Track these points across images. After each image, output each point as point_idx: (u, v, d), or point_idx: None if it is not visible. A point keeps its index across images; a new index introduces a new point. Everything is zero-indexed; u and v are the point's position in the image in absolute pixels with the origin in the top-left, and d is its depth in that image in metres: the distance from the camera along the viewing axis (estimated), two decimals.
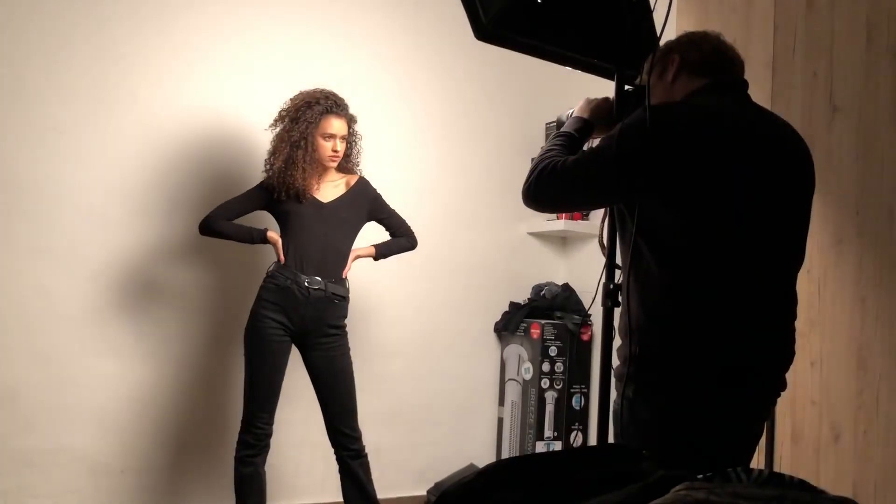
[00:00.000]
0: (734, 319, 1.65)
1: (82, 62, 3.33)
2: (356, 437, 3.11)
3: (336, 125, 3.09)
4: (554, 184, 1.73)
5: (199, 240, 3.51)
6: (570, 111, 2.00)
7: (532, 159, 1.89)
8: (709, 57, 1.79)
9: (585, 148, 1.82)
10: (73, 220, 3.30)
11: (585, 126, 1.91)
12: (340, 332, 3.13)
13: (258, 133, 3.56)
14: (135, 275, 3.41)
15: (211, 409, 3.54)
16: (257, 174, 3.36)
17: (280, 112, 3.16)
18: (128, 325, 3.39)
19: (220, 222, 3.10)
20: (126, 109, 3.41)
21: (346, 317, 3.16)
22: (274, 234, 3.13)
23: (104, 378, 3.33)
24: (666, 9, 1.71)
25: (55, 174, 3.27)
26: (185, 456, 3.49)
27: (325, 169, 3.16)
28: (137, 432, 3.40)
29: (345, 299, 3.14)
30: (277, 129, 3.14)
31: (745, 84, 1.81)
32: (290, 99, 3.16)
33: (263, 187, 3.13)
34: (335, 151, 3.09)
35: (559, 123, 2.00)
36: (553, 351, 4.07)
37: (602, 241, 2.04)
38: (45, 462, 3.21)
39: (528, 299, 4.31)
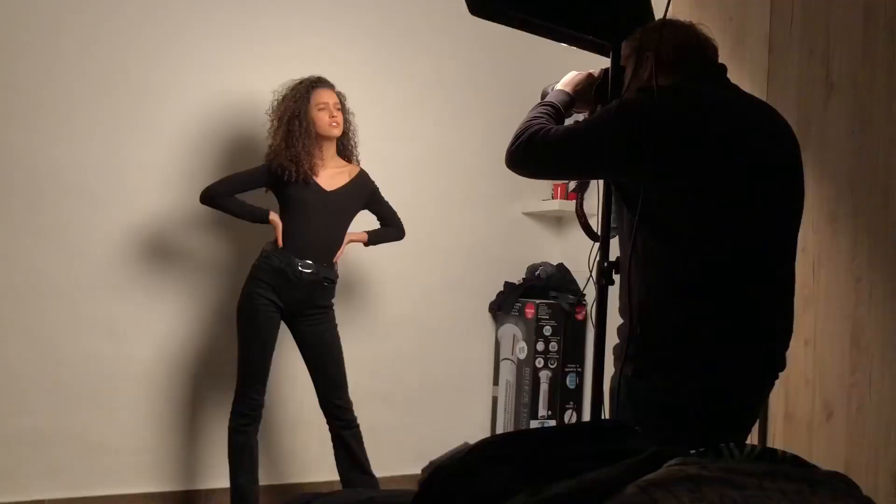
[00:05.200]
0: (735, 299, 1.67)
1: (73, 39, 3.29)
2: (347, 407, 3.22)
3: (326, 95, 3.19)
4: (544, 150, 1.77)
5: (193, 219, 3.50)
6: (553, 84, 2.01)
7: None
8: (682, 54, 1.78)
9: (573, 122, 1.83)
10: (65, 199, 3.28)
11: (569, 100, 1.94)
12: (328, 309, 3.25)
13: (253, 114, 3.55)
14: (127, 253, 3.40)
15: (205, 388, 3.54)
16: (254, 155, 3.35)
17: (271, 104, 3.23)
18: (121, 304, 3.38)
19: (223, 197, 3.15)
20: (117, 87, 3.38)
21: (333, 297, 3.28)
22: (276, 218, 3.17)
23: (98, 357, 3.33)
24: None
25: (46, 153, 3.24)
26: (180, 435, 3.50)
27: (328, 140, 3.22)
28: (132, 412, 3.40)
29: (334, 283, 3.25)
30: (273, 121, 3.20)
31: (725, 69, 1.83)
32: (276, 91, 3.24)
33: (268, 168, 3.16)
34: (333, 117, 3.17)
35: (543, 95, 2.00)
36: (547, 330, 4.08)
37: (579, 211, 2.05)
38: (40, 441, 3.21)
39: (523, 279, 4.31)
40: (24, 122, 3.21)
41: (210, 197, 3.15)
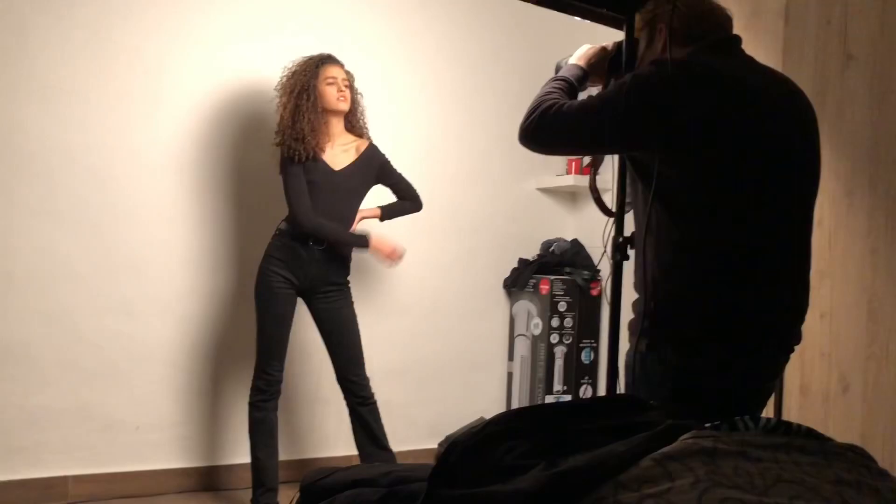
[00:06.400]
0: (749, 274, 1.65)
1: (86, 21, 3.29)
2: (364, 383, 3.25)
3: (334, 70, 3.18)
4: (557, 125, 1.75)
5: (209, 197, 3.52)
6: (566, 58, 1.99)
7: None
8: (696, 25, 1.76)
9: (586, 96, 1.82)
10: (80, 181, 3.30)
11: (582, 74, 1.92)
12: (343, 286, 3.27)
13: (264, 91, 3.54)
14: (143, 233, 3.42)
15: (225, 365, 3.58)
16: (266, 131, 3.35)
17: (280, 80, 3.21)
18: (138, 283, 3.41)
19: (320, 219, 3.11)
20: (131, 68, 3.38)
21: (348, 273, 3.29)
22: (377, 241, 3.27)
23: (117, 336, 3.37)
24: None
25: (60, 134, 3.26)
26: (199, 411, 3.54)
27: (335, 116, 3.21)
28: (152, 389, 3.44)
29: (347, 258, 3.26)
30: (281, 97, 3.17)
31: (739, 40, 1.80)
32: (286, 68, 3.23)
33: (289, 159, 3.11)
34: (341, 92, 3.17)
35: (557, 69, 1.99)
36: (562, 306, 4.08)
37: (593, 186, 2.05)
38: (60, 419, 3.26)
39: (538, 255, 4.31)
40: (37, 106, 3.22)
41: (315, 230, 3.11)
